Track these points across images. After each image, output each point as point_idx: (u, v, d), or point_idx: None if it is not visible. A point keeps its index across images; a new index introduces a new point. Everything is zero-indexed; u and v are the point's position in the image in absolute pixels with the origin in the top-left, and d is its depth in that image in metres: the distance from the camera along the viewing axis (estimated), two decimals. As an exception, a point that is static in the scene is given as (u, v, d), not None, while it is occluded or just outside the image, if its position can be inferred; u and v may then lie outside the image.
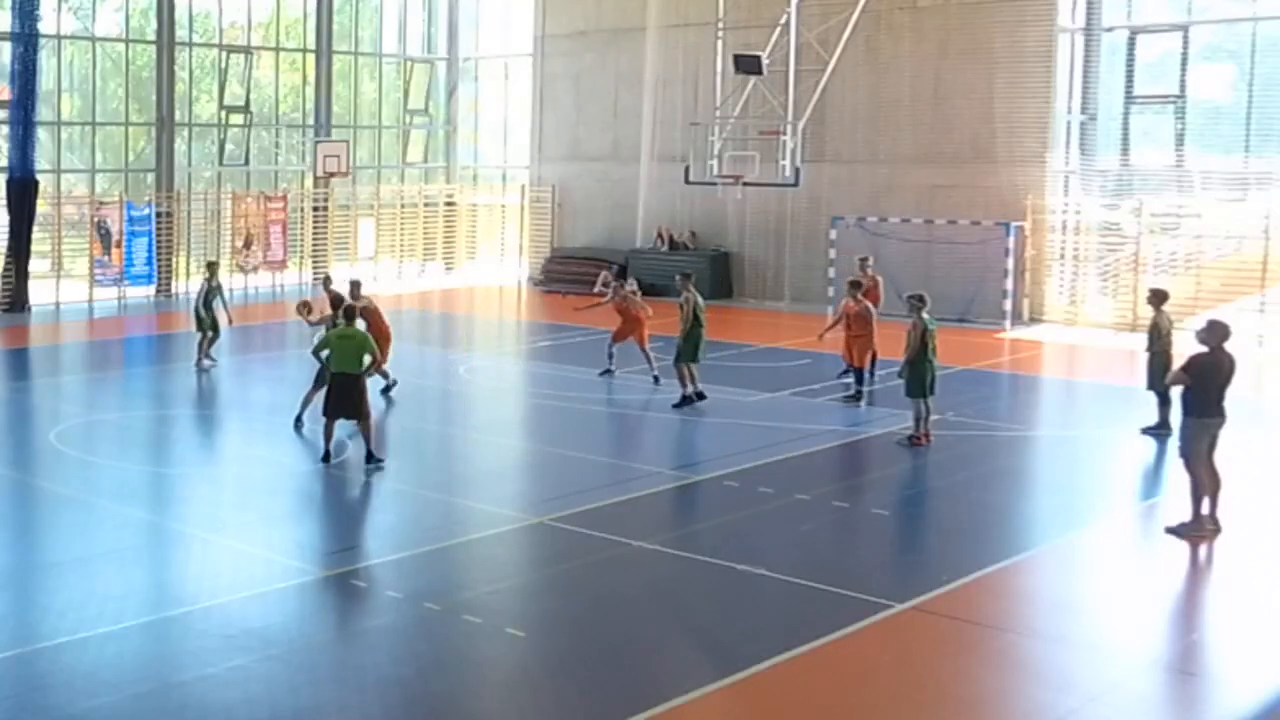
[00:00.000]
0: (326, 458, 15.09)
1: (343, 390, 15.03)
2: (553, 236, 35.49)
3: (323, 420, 15.30)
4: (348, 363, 15.03)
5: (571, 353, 23.33)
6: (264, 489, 14.57)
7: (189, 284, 31.68)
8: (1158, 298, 17.49)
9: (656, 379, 19.98)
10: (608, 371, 20.50)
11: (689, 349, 18.63)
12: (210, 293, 21.78)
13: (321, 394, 15.71)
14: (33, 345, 25.20)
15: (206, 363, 21.73)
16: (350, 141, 34.34)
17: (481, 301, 32.71)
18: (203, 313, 21.60)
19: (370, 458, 15.00)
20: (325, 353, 15.39)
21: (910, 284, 27.74)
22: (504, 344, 27.08)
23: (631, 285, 22.27)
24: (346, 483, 14.82)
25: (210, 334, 21.68)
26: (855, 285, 19.58)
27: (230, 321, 22.74)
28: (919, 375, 16.35)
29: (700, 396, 18.51)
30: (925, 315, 16.44)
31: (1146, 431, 17.04)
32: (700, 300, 19.12)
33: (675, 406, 18.39)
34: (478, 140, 38.56)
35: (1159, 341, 17.13)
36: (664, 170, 31.96)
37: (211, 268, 22.58)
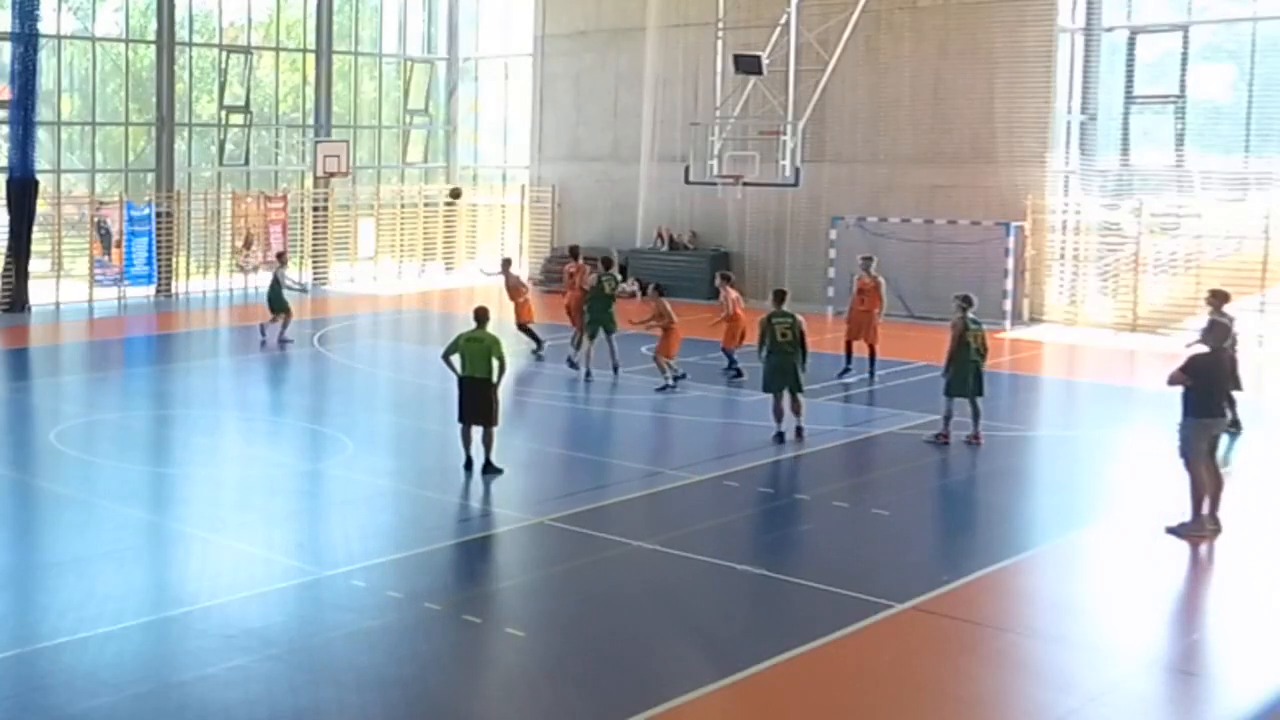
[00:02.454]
0: (469, 464, 14.71)
1: (474, 395, 14.69)
2: (553, 236, 35.48)
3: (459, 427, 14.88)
4: (477, 367, 14.69)
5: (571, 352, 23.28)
6: (264, 489, 14.56)
7: (189, 284, 31.77)
8: (1218, 299, 17.22)
9: (678, 379, 19.99)
10: (673, 382, 19.91)
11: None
12: (279, 278, 24.63)
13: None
14: (33, 345, 25.19)
15: (275, 333, 24.20)
16: (350, 141, 34.32)
17: (481, 301, 32.54)
18: (282, 294, 24.36)
19: (489, 467, 14.63)
20: (455, 358, 14.85)
21: (910, 284, 28.01)
22: (504, 344, 26.97)
23: (633, 285, 22.31)
24: (346, 483, 14.81)
25: (284, 315, 24.26)
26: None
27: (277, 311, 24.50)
28: (958, 375, 16.39)
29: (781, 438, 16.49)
30: (970, 315, 16.50)
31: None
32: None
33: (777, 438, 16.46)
34: (478, 140, 38.54)
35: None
36: (664, 170, 31.95)
37: (281, 258, 26.01)
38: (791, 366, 16.38)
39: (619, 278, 21.68)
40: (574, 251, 24.14)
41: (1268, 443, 16.99)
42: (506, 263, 24.44)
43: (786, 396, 16.47)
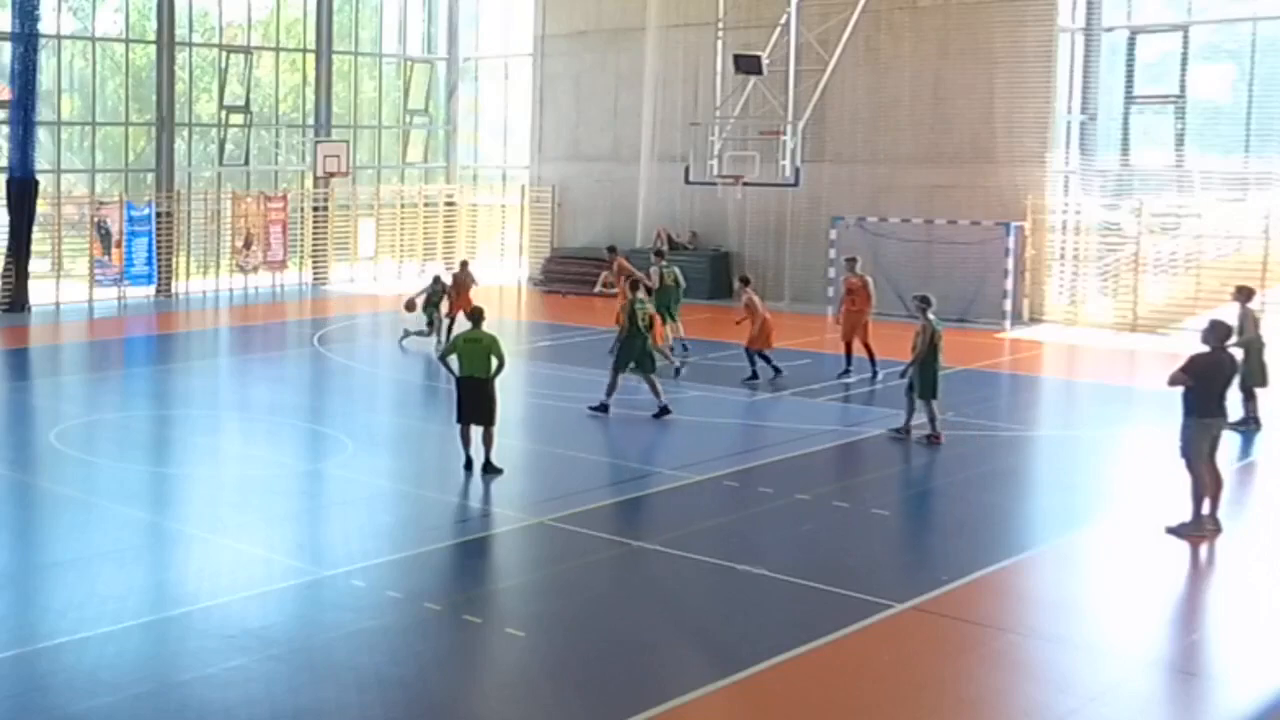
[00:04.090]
0: (468, 464, 14.73)
1: (473, 394, 14.71)
2: (553, 236, 35.49)
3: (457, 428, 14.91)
4: (476, 366, 14.72)
5: (571, 353, 23.35)
6: (264, 489, 14.56)
7: (189, 284, 31.77)
8: (1242, 294, 17.18)
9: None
10: (777, 372, 20.38)
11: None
12: (436, 294, 24.02)
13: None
14: (33, 345, 25.19)
15: (412, 338, 24.11)
16: (350, 141, 34.33)
17: (481, 301, 32.56)
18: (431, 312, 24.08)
19: (489, 467, 14.66)
20: (453, 358, 14.91)
21: (910, 284, 27.90)
22: (504, 344, 26.97)
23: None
24: (346, 483, 14.82)
25: (427, 329, 23.79)
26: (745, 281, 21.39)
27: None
28: (930, 377, 16.44)
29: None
30: (932, 316, 16.55)
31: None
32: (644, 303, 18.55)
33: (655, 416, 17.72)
34: (478, 140, 38.54)
35: (1242, 336, 16.63)
36: (664, 170, 31.95)
37: (438, 280, 24.89)
38: (647, 349, 18.01)
39: (670, 267, 22.81)
40: (613, 251, 24.78)
41: (1268, 443, 16.98)
42: (464, 264, 25.32)
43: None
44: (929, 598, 10.95)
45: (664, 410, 17.67)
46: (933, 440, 16.50)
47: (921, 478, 15.50)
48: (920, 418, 16.62)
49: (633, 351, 17.86)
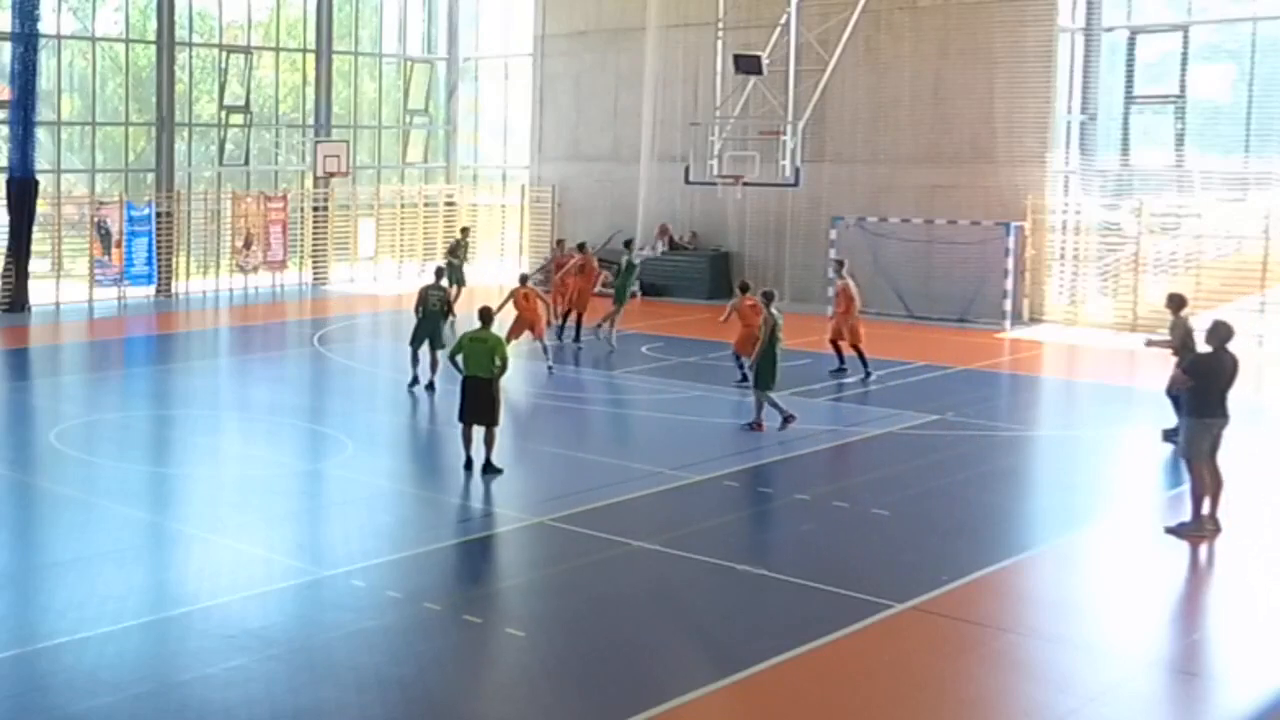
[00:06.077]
0: (469, 464, 14.75)
1: (475, 394, 14.70)
2: (552, 237, 35.43)
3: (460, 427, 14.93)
4: (480, 366, 14.73)
5: (571, 353, 23.34)
6: (264, 489, 14.56)
7: (189, 284, 31.77)
8: (1175, 302, 17.19)
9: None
10: (744, 379, 19.62)
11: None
12: (628, 269, 24.21)
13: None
14: (33, 345, 25.19)
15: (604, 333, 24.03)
16: (350, 141, 34.32)
17: (481, 301, 32.52)
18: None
19: (489, 467, 14.66)
20: (460, 357, 14.96)
21: (910, 284, 28.02)
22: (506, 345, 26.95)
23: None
24: (346, 483, 14.82)
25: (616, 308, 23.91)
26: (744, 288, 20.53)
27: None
28: (772, 368, 16.99)
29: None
30: (774, 310, 17.21)
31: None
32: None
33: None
34: (478, 140, 38.54)
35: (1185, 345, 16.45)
36: (664, 170, 31.93)
37: (629, 245, 25.87)
38: (439, 329, 19.54)
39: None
40: (581, 247, 25.68)
41: (1268, 443, 16.98)
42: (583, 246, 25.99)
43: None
44: (929, 598, 10.96)
45: (429, 386, 19.38)
46: (755, 428, 16.94)
47: (921, 478, 15.48)
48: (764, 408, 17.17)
49: (423, 332, 19.60)
